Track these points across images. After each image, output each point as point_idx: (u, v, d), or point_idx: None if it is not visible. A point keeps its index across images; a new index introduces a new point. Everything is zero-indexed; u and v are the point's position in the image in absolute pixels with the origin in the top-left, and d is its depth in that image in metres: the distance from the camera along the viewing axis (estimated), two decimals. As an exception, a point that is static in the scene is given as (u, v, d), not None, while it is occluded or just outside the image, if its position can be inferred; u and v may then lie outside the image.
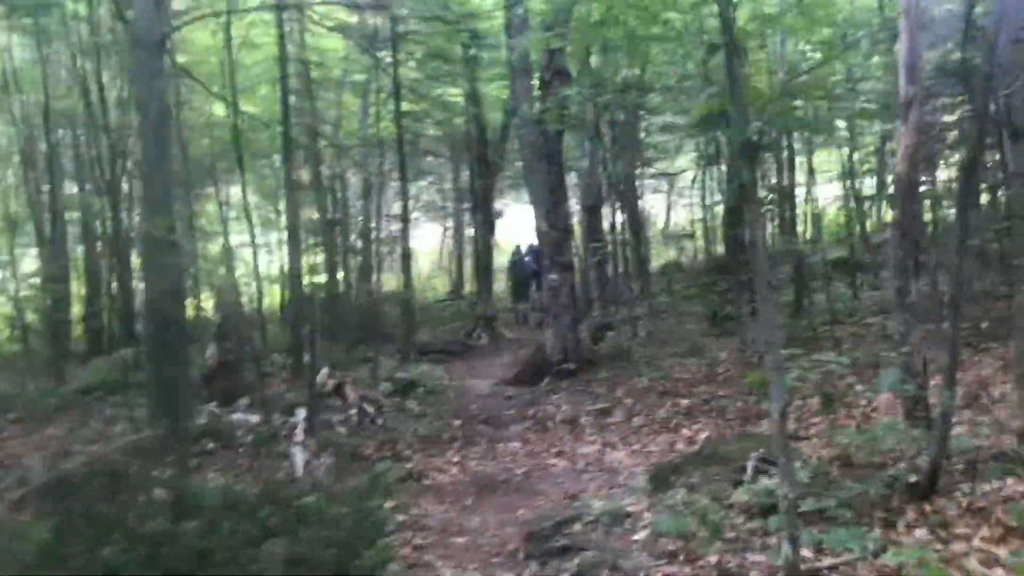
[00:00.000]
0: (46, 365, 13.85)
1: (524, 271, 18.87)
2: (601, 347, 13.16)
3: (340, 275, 22.52)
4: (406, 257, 16.80)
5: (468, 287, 25.25)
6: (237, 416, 10.08)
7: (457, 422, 9.87)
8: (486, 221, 17.89)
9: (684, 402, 9.32)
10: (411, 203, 24.06)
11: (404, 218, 16.73)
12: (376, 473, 7.66)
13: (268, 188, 22.30)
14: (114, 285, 16.75)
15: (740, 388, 9.58)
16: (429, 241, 36.15)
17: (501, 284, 27.66)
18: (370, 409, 9.80)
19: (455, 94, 20.04)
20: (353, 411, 9.71)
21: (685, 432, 8.34)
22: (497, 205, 33.31)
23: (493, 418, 10.03)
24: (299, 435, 9.04)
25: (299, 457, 8.54)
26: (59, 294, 14.73)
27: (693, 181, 26.44)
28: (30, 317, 14.20)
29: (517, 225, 38.16)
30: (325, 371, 13.35)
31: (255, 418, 10.02)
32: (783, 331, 11.91)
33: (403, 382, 11.61)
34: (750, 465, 5.70)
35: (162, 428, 5.87)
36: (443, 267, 32.30)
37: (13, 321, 15.39)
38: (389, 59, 15.90)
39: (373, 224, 23.22)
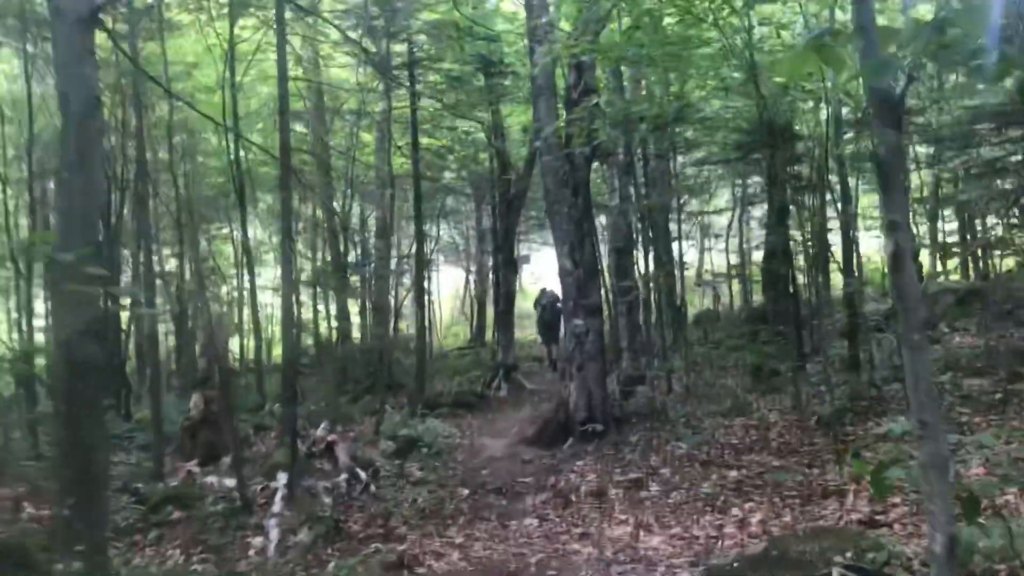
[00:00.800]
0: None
1: (554, 312, 18.11)
2: (631, 403, 11.71)
3: (356, 320, 21.41)
4: (420, 300, 15.54)
5: (489, 334, 23.89)
6: (211, 479, 8.75)
7: (464, 491, 8.46)
8: (508, 263, 16.62)
9: (732, 474, 7.84)
10: (431, 245, 22.92)
11: (419, 258, 15.52)
12: (358, 560, 6.26)
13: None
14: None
15: (798, 457, 8.11)
16: (450, 286, 34.98)
17: (524, 331, 26.37)
18: (363, 474, 8.42)
19: (476, 128, 18.99)
20: (343, 476, 8.33)
21: (735, 512, 6.86)
22: (523, 250, 32.16)
23: (506, 487, 8.59)
24: (277, 505, 7.68)
25: (273, 533, 7.18)
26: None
27: (729, 226, 25.12)
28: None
29: (543, 269, 37.03)
30: (324, 426, 12.03)
31: (232, 482, 8.69)
32: (845, 388, 10.48)
33: (407, 440, 10.24)
34: (837, 576, 4.25)
35: (69, 506, 4.52)
36: (464, 313, 31.02)
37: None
38: (406, 86, 14.85)
39: (391, 266, 22.14)
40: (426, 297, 28.51)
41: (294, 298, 24.72)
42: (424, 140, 19.15)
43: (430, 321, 26.56)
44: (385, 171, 17.36)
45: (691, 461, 8.35)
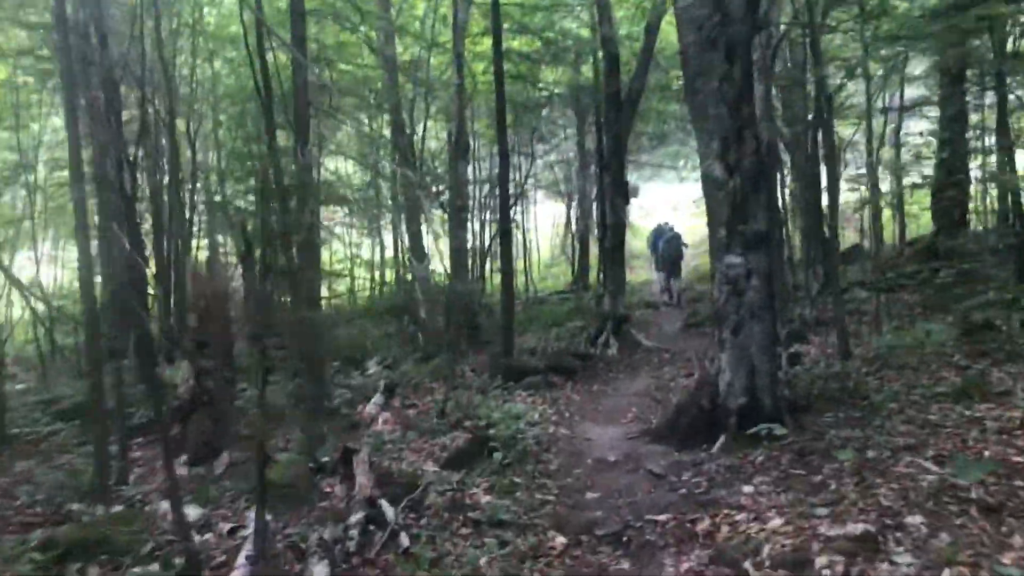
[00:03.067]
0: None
1: (676, 245, 17.81)
2: (803, 377, 8.10)
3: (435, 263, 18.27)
4: (507, 235, 12.16)
5: (593, 276, 20.38)
6: (163, 506, 5.69)
7: (559, 540, 5.11)
8: (618, 187, 12.99)
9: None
10: (522, 171, 19.44)
11: (503, 183, 12.08)
12: None
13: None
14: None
15: None
16: (549, 222, 31.45)
17: (634, 272, 22.65)
18: (389, 511, 5.15)
19: (577, 21, 15.30)
20: (357, 516, 5.08)
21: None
22: (632, 179, 28.19)
23: (628, 531, 5.19)
24: (240, 566, 4.55)
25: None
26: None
27: (880, 137, 20.41)
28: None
29: (656, 202, 32.87)
30: (376, 399, 8.92)
31: (198, 512, 5.63)
32: None
33: (474, 439, 6.95)
34: None
35: None
36: (565, 253, 27.43)
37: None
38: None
39: (473, 197, 18.78)
40: (518, 233, 25.33)
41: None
42: (512, 43, 15.59)
43: (527, 261, 23.29)
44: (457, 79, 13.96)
45: (958, 501, 4.73)
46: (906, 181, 16.79)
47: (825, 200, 11.31)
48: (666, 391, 9.49)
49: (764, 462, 5.89)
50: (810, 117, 13.19)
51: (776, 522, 4.82)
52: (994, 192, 15.23)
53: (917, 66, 16.97)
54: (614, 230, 13.11)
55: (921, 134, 17.66)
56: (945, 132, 16.49)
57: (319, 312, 9.39)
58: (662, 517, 5.29)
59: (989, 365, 7.81)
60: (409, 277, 15.04)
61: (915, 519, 4.56)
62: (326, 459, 6.32)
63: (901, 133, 17.90)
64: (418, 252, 14.38)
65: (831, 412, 6.87)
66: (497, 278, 20.67)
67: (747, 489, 5.46)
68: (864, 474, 5.21)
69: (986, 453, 5.28)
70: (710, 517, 5.10)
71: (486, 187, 19.34)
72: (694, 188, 31.62)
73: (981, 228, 19.62)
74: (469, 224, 16.86)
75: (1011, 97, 14.06)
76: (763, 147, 6.79)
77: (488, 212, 19.62)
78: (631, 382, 10.50)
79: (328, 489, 5.83)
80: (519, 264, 23.05)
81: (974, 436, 5.65)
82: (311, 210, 8.89)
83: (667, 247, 17.73)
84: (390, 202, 16.83)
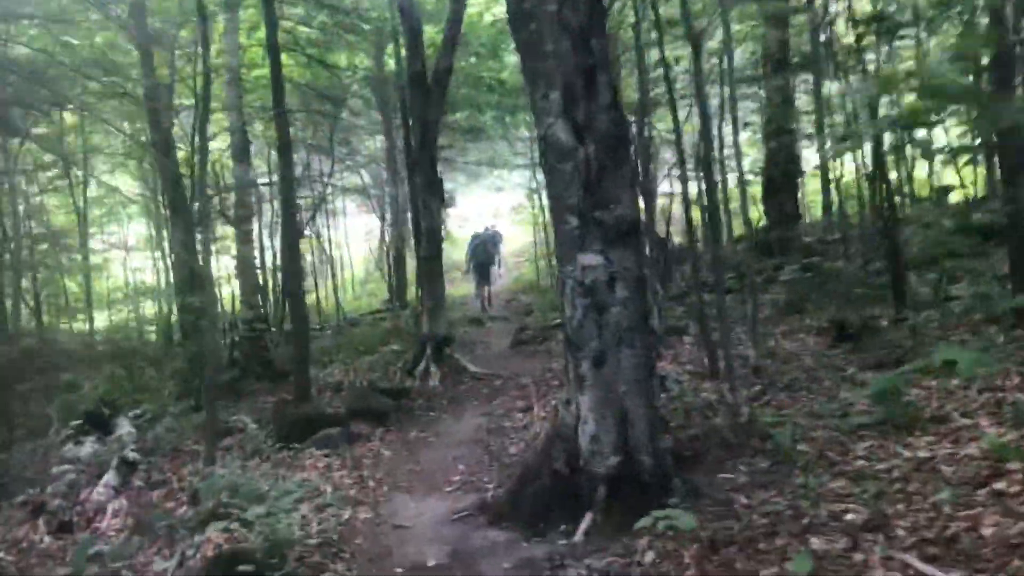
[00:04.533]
0: None
1: (486, 253, 17.70)
2: (672, 408, 6.28)
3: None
4: (292, 249, 9.73)
5: (412, 292, 18.17)
6: None
7: None
8: (430, 185, 10.85)
9: None
10: (328, 175, 16.93)
11: (285, 177, 9.65)
12: None
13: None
14: None
15: None
16: (362, 235, 28.89)
17: (455, 286, 20.63)
18: None
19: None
20: None
21: None
22: (447, 187, 26.16)
23: None
24: None
25: None
26: None
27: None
28: None
29: (475, 210, 30.95)
30: (106, 478, 6.37)
31: None
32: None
33: (222, 557, 4.55)
34: None
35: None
36: (380, 269, 24.98)
37: None
38: None
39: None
40: (330, 248, 22.68)
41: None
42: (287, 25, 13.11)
43: (335, 279, 20.74)
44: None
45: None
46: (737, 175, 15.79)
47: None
48: (500, 435, 7.44)
49: (657, 561, 3.91)
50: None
51: None
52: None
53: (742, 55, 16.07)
54: (429, 236, 10.97)
55: (746, 125, 16.80)
56: (771, 123, 15.65)
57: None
58: None
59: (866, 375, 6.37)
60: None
61: None
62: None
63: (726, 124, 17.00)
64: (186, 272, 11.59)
65: (728, 461, 5.06)
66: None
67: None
68: (781, 558, 3.35)
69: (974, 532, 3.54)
70: None
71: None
72: (513, 196, 30.22)
73: (811, 220, 19.14)
74: (259, 238, 14.23)
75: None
76: (619, 100, 4.87)
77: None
78: (457, 423, 8.38)
79: None
80: (328, 283, 20.57)
81: (943, 497, 3.92)
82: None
83: (479, 250, 17.46)
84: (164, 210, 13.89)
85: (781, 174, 15.53)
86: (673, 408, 6.19)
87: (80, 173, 18.36)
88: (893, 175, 10.51)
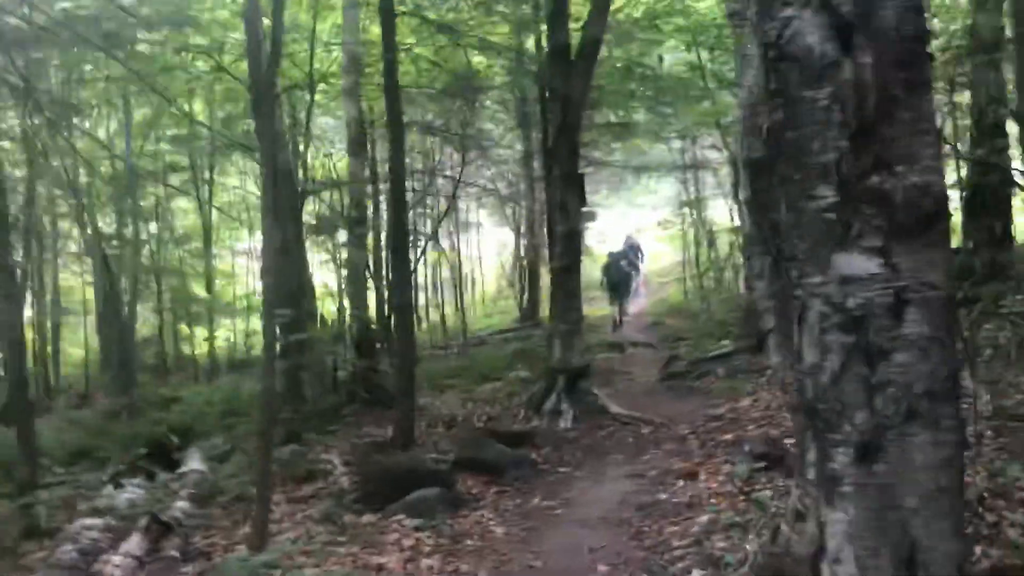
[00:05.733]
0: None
1: (620, 271, 17.01)
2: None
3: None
4: (399, 252, 8.01)
5: (546, 312, 16.26)
6: None
7: None
8: (569, 181, 8.89)
9: None
10: (458, 179, 15.29)
11: (396, 165, 7.94)
12: None
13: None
14: None
15: None
16: (496, 250, 27.27)
17: (593, 305, 18.53)
18: None
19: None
20: None
21: None
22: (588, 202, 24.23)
23: None
24: None
25: None
26: None
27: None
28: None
29: (615, 232, 28.53)
30: (130, 547, 4.71)
31: None
32: None
33: None
34: None
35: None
36: (513, 285, 23.18)
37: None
38: None
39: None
40: (462, 262, 21.19)
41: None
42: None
43: (461, 295, 19.11)
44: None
45: None
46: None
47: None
48: (655, 514, 5.32)
49: None
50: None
51: None
52: None
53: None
54: (566, 242, 8.99)
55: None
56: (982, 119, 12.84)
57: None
58: None
59: None
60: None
61: None
62: None
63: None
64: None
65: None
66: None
67: None
68: None
69: None
70: None
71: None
72: (657, 211, 27.48)
73: None
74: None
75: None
76: None
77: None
78: (594, 485, 6.33)
79: None
80: (456, 299, 19.07)
81: None
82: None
83: (611, 270, 16.87)
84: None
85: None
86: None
87: (207, 174, 17.71)
88: None
